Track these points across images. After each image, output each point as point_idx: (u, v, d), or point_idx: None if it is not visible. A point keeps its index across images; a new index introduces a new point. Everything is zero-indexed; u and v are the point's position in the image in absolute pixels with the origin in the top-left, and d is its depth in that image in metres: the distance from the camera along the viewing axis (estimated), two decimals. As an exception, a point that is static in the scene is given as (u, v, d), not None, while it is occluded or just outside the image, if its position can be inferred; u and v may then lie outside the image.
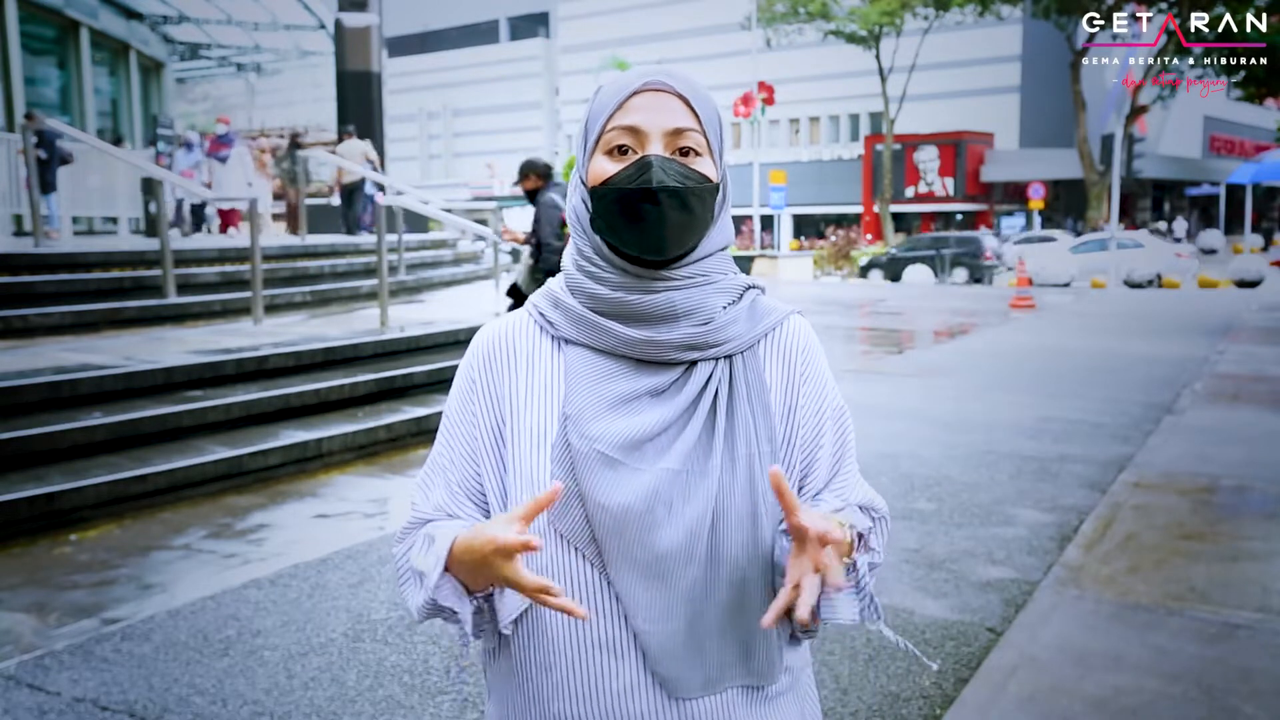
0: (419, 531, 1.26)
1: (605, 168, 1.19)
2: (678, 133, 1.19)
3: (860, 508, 1.29)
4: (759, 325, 1.26)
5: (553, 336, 1.26)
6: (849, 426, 1.32)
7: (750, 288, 1.28)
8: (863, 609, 1.21)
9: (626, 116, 1.19)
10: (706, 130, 1.20)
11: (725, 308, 1.24)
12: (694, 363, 1.22)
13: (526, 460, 1.21)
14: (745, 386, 1.23)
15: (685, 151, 1.19)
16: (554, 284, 1.29)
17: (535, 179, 7.79)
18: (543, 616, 1.20)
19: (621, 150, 1.19)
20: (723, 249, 1.26)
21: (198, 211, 16.15)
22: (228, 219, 15.49)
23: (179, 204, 15.08)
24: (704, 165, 1.20)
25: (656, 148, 1.18)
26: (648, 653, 1.17)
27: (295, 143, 15.70)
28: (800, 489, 1.27)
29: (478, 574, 1.13)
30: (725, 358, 1.23)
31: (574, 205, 1.26)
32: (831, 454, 1.28)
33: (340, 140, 15.00)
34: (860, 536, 1.24)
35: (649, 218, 1.17)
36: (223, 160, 14.65)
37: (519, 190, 8.01)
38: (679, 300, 1.20)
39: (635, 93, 1.19)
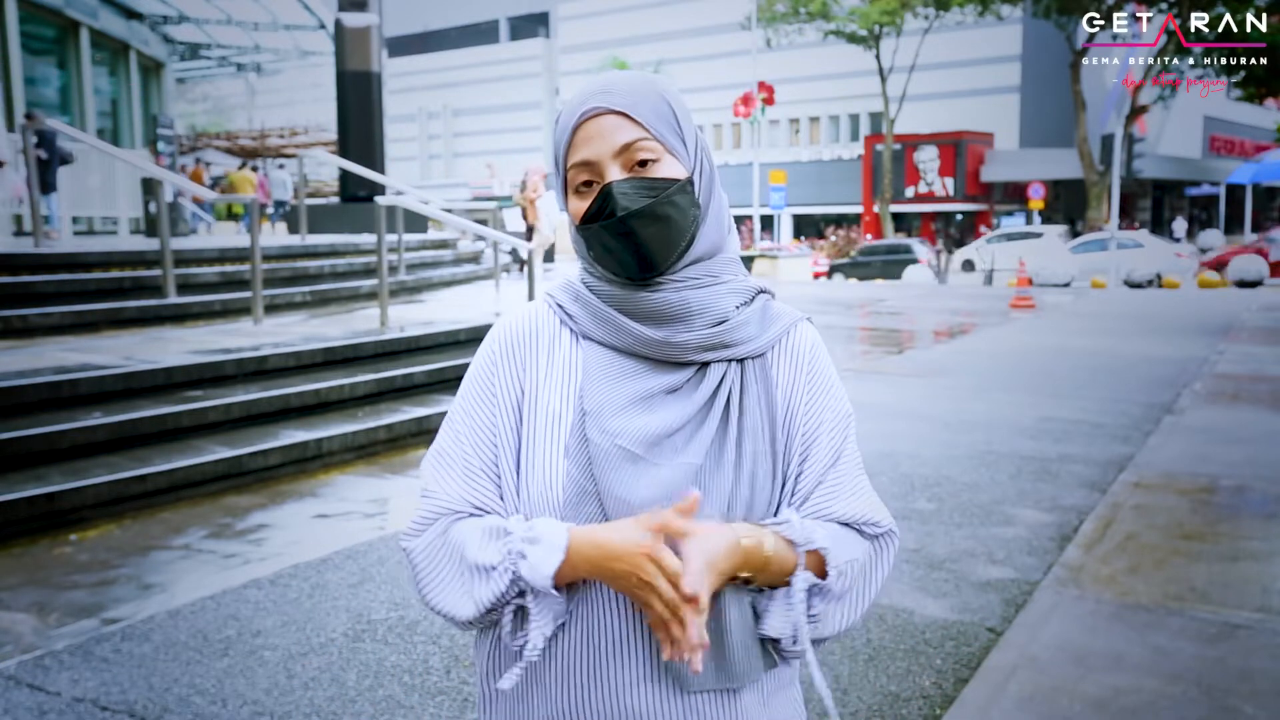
0: (451, 523, 1.23)
1: (578, 206, 1.24)
2: (627, 148, 1.21)
3: (853, 524, 1.27)
4: (770, 330, 1.28)
5: (571, 330, 1.28)
6: (851, 435, 1.32)
7: (761, 291, 1.31)
8: (795, 631, 1.20)
9: (577, 152, 1.22)
10: (657, 133, 1.22)
11: (738, 308, 1.26)
12: (708, 363, 1.24)
13: (540, 452, 1.23)
14: (756, 388, 1.25)
15: (643, 163, 1.21)
16: (573, 278, 1.32)
17: None
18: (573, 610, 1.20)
19: (586, 184, 1.23)
20: (722, 250, 1.27)
21: None
22: None
23: None
24: (666, 168, 1.22)
25: (614, 172, 1.21)
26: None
27: (525, 184, 16.63)
28: (792, 492, 1.27)
29: (599, 572, 1.13)
30: (738, 360, 1.25)
31: (571, 235, 1.30)
32: (825, 461, 1.28)
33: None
34: (823, 560, 1.22)
35: (627, 243, 1.20)
36: None
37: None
38: (693, 300, 1.23)
39: (577, 126, 1.22)
